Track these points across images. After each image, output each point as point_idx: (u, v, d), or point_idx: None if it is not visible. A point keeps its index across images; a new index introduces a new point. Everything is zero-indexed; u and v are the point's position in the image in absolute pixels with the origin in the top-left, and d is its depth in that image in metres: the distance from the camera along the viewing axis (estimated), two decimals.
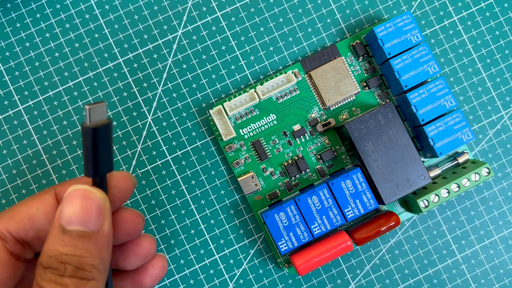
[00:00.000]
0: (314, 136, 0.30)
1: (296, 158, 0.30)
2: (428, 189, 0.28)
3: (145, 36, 0.31)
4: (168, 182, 0.30)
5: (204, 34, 0.31)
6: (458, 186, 0.28)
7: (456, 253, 0.31)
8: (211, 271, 0.30)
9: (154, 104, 0.31)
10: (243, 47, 0.31)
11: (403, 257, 0.31)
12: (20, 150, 0.30)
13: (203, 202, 0.30)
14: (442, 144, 0.28)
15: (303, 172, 0.30)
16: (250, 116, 0.30)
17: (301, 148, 0.30)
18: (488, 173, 0.28)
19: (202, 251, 0.30)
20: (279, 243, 0.28)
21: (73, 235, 0.20)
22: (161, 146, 0.30)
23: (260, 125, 0.30)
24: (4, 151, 0.30)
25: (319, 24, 0.31)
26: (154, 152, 0.30)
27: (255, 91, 0.29)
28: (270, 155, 0.30)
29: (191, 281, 0.30)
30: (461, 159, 0.29)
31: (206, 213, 0.30)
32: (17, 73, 0.30)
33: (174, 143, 0.31)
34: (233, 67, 0.31)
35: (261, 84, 0.30)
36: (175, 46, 0.31)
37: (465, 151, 0.30)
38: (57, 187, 0.23)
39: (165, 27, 0.31)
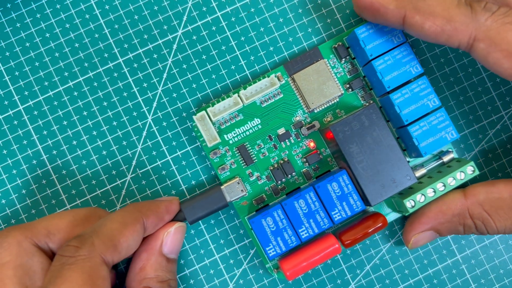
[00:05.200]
0: (299, 139, 0.30)
1: (281, 162, 0.29)
2: (414, 189, 0.28)
3: (145, 36, 0.31)
4: (168, 182, 0.30)
5: (204, 34, 0.31)
6: (444, 185, 0.28)
7: (456, 253, 0.31)
8: (211, 271, 0.30)
9: (154, 104, 0.31)
10: (243, 47, 0.31)
11: (403, 257, 0.31)
12: (20, 150, 0.30)
13: None
14: (427, 143, 0.28)
15: (289, 175, 0.30)
16: (234, 121, 0.30)
17: (287, 152, 0.30)
18: (473, 171, 0.28)
19: (202, 251, 0.30)
20: (267, 248, 0.27)
21: (172, 262, 0.27)
22: (161, 146, 0.30)
23: (244, 129, 0.30)
24: (4, 151, 0.30)
25: (316, 25, 0.31)
26: (154, 152, 0.30)
27: (238, 95, 0.29)
28: (256, 160, 0.30)
29: (191, 281, 0.30)
30: (446, 158, 0.29)
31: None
32: (17, 73, 0.30)
33: (174, 143, 0.31)
34: (233, 67, 0.31)
35: (244, 88, 0.29)
36: (175, 46, 0.31)
37: (449, 149, 0.30)
38: (145, 218, 0.26)
39: (165, 27, 0.31)
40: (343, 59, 0.30)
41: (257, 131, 0.30)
